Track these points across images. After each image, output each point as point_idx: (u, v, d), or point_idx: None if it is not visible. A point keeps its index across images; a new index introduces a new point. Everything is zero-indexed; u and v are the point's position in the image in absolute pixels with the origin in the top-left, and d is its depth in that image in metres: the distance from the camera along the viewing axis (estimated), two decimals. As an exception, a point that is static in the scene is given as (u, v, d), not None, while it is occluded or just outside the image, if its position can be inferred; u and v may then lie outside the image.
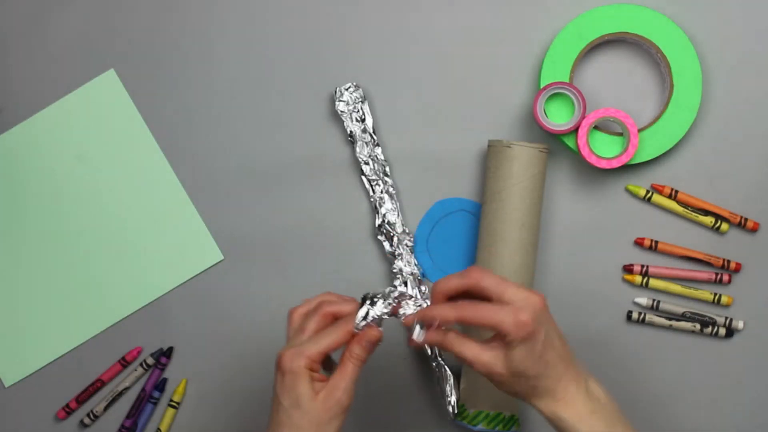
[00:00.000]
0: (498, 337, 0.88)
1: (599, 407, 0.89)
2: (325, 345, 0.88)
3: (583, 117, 1.05)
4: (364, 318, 0.89)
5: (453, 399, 1.04)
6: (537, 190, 1.04)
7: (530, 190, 1.03)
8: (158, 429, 1.10)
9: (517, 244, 1.03)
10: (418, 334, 0.90)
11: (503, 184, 1.04)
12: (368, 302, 0.90)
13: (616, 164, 1.05)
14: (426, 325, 0.89)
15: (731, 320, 1.09)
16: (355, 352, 0.89)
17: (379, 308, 0.90)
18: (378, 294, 0.91)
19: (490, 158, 1.05)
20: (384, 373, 1.10)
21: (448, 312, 0.88)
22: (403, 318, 0.91)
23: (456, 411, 1.04)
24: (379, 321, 0.90)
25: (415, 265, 1.07)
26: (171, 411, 1.10)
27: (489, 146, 1.06)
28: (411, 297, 0.91)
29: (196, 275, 1.10)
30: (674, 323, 1.09)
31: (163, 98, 1.11)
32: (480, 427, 1.03)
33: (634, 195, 1.09)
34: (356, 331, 0.89)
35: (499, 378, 0.88)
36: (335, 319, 0.91)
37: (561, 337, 0.90)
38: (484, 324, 0.86)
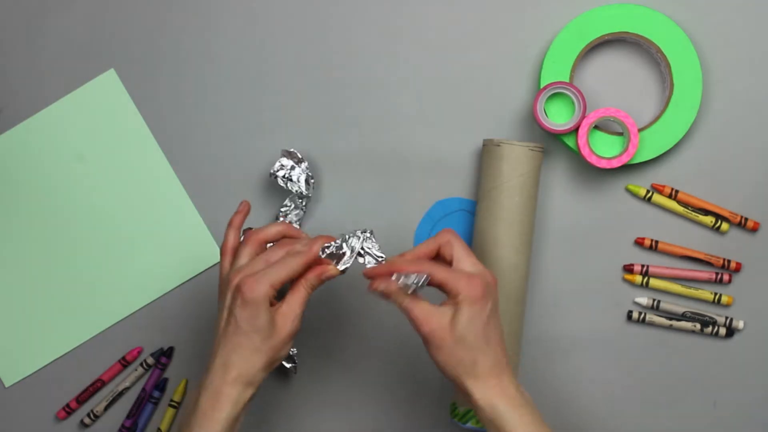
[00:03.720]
0: (447, 302, 0.92)
1: (526, 402, 0.92)
2: (286, 275, 0.92)
3: (583, 117, 1.05)
4: (337, 247, 0.94)
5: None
6: (528, 188, 1.04)
7: (520, 189, 1.03)
8: (158, 429, 1.10)
9: (508, 243, 1.03)
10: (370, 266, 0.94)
11: (493, 183, 1.04)
12: (345, 238, 0.95)
13: (616, 164, 1.05)
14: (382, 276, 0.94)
15: (731, 320, 1.09)
16: (311, 282, 0.94)
17: (355, 243, 0.95)
18: (351, 234, 0.95)
19: (482, 157, 1.06)
20: (379, 370, 1.10)
21: (409, 265, 0.93)
22: (366, 266, 0.95)
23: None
24: (343, 257, 0.94)
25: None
26: (171, 411, 1.10)
27: (483, 145, 1.06)
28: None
29: (196, 275, 1.10)
30: (674, 323, 1.09)
31: (163, 98, 1.11)
32: (470, 425, 1.03)
33: (634, 195, 1.09)
34: (320, 256, 0.93)
35: (441, 341, 0.91)
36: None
37: (502, 327, 0.94)
38: (439, 280, 0.92)
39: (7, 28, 1.11)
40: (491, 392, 0.91)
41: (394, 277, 0.93)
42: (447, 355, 0.92)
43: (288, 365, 1.07)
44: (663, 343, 1.09)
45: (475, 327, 0.91)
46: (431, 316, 0.92)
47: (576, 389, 1.09)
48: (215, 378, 0.91)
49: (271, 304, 0.92)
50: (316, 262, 0.94)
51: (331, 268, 0.94)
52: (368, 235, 0.95)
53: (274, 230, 0.97)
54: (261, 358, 0.92)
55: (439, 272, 0.92)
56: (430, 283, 0.92)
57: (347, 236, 0.95)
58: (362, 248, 0.95)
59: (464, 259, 0.93)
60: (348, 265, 0.94)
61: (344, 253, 0.94)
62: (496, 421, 0.91)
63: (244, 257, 0.95)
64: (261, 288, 0.91)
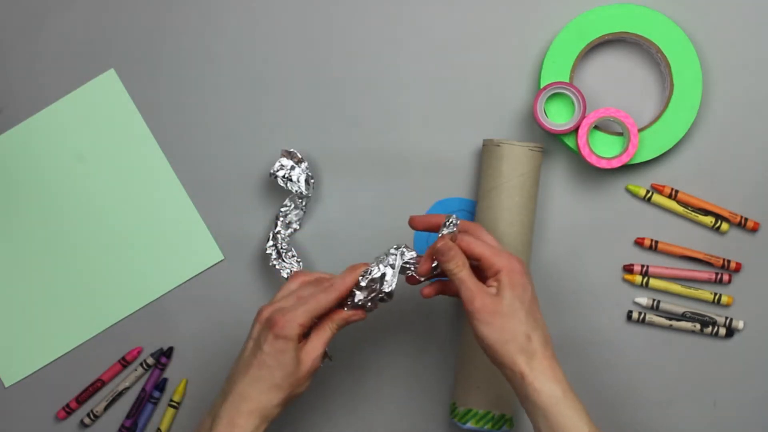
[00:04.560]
0: (489, 281, 0.92)
1: (574, 394, 0.91)
2: (318, 311, 0.93)
3: (583, 117, 1.05)
4: (374, 272, 0.94)
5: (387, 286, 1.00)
6: (528, 188, 1.04)
7: (520, 189, 1.03)
8: (158, 429, 1.10)
9: (507, 243, 1.03)
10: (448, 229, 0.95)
11: (493, 183, 1.04)
12: (380, 259, 0.95)
13: (616, 164, 1.05)
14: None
15: (731, 320, 1.09)
16: (337, 323, 0.95)
17: (393, 260, 0.95)
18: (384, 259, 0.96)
19: (482, 157, 1.06)
20: (378, 370, 1.10)
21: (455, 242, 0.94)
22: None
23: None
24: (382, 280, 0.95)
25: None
26: (171, 411, 1.10)
27: (483, 145, 1.06)
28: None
29: (196, 275, 1.10)
30: (674, 323, 1.09)
31: (163, 98, 1.11)
32: (469, 425, 1.03)
33: (634, 195, 1.09)
34: (361, 284, 0.94)
35: (491, 317, 0.90)
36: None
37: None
38: (479, 253, 0.92)
39: (7, 28, 1.11)
40: (547, 374, 0.90)
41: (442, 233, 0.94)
42: (498, 331, 0.90)
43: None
44: (663, 343, 1.09)
45: (523, 302, 0.90)
46: (482, 291, 0.91)
47: (576, 389, 1.09)
48: (230, 408, 0.91)
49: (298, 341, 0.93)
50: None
51: (359, 315, 0.95)
52: (404, 249, 0.95)
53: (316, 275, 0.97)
54: (279, 394, 0.92)
55: (479, 245, 0.92)
56: (474, 255, 0.92)
57: (382, 257, 0.95)
58: (404, 263, 0.95)
59: (497, 253, 0.93)
60: (393, 285, 0.95)
61: (385, 275, 0.94)
62: (552, 407, 0.89)
63: (282, 292, 0.96)
64: (293, 325, 0.91)
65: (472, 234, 0.95)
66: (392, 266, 0.95)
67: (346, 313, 0.95)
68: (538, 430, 0.91)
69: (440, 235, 0.95)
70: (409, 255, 0.96)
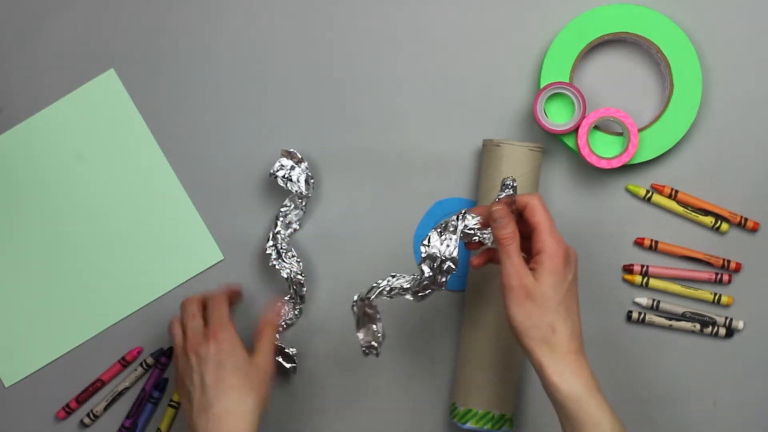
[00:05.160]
0: (530, 263, 0.91)
1: (598, 391, 0.89)
2: (226, 311, 0.99)
3: (583, 117, 1.05)
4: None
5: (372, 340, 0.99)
6: (528, 188, 1.04)
7: (520, 189, 1.03)
8: (158, 429, 1.10)
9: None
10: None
11: (493, 183, 1.04)
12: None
13: (616, 164, 1.05)
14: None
15: (731, 320, 1.09)
16: (269, 320, 1.00)
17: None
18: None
19: (482, 157, 1.06)
20: (378, 370, 1.10)
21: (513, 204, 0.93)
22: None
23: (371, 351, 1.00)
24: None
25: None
26: (171, 411, 1.10)
27: (483, 145, 1.06)
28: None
29: (196, 275, 1.10)
30: (674, 323, 1.09)
31: (163, 98, 1.11)
32: (469, 425, 1.03)
33: (634, 195, 1.09)
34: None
35: (524, 298, 0.89)
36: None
37: (579, 306, 0.93)
38: (536, 222, 0.91)
39: (7, 28, 1.11)
40: (568, 369, 0.88)
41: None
42: (526, 315, 0.89)
43: (288, 365, 1.07)
44: (663, 343, 1.09)
45: (558, 290, 0.89)
46: (523, 270, 0.90)
47: (576, 389, 1.09)
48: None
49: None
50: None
51: (275, 318, 1.01)
52: (466, 214, 0.94)
53: (195, 299, 1.02)
54: (251, 397, 0.94)
55: (542, 213, 0.92)
56: (525, 218, 0.92)
57: (441, 226, 0.94)
58: (467, 229, 0.94)
59: (551, 232, 0.92)
60: (454, 252, 0.93)
61: (447, 245, 0.94)
62: (571, 404, 0.88)
63: (186, 327, 1.00)
64: (228, 328, 0.97)
65: (526, 214, 0.93)
66: (453, 232, 0.93)
67: (269, 316, 1.01)
68: (561, 425, 0.90)
69: (497, 198, 0.94)
70: (473, 221, 0.94)
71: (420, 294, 0.94)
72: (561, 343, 0.89)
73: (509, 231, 0.92)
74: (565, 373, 0.89)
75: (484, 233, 0.95)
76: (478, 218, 0.95)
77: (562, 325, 0.89)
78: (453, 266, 0.93)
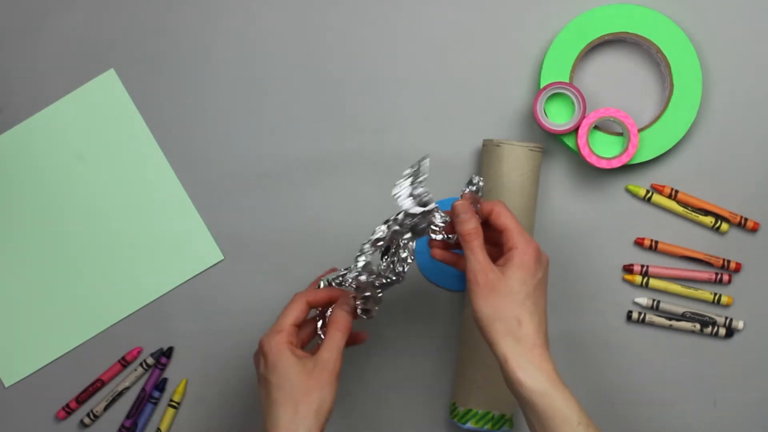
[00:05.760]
0: (500, 260, 0.91)
1: (563, 385, 0.89)
2: (292, 316, 0.92)
3: (583, 117, 1.05)
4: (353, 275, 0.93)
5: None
6: (528, 188, 1.04)
7: (520, 189, 1.03)
8: (158, 429, 1.10)
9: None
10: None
11: (494, 183, 1.04)
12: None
13: (616, 164, 1.05)
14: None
15: (731, 320, 1.09)
16: (335, 319, 0.93)
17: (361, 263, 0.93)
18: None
19: (482, 157, 1.06)
20: (378, 369, 1.10)
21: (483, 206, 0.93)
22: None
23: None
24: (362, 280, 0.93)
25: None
26: (171, 411, 1.10)
27: (483, 145, 1.06)
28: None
29: (196, 275, 1.10)
30: (674, 323, 1.09)
31: (163, 98, 1.11)
32: (469, 425, 1.03)
33: (634, 195, 1.09)
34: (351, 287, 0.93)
35: (490, 291, 0.89)
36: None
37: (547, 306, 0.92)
38: (503, 224, 0.91)
39: (7, 28, 1.11)
40: (532, 364, 0.87)
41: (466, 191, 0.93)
42: (491, 307, 0.88)
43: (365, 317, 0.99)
44: (663, 343, 1.09)
45: (526, 286, 0.89)
46: (488, 266, 0.90)
47: (576, 389, 1.09)
48: None
49: (305, 356, 0.92)
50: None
51: (348, 294, 0.94)
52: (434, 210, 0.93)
53: (320, 294, 0.96)
54: (304, 408, 0.89)
55: (509, 216, 0.91)
56: (491, 223, 0.91)
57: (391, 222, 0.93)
58: (434, 225, 0.93)
59: (520, 232, 0.91)
60: (408, 261, 0.93)
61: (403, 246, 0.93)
62: (537, 399, 0.86)
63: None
64: (274, 338, 0.91)
65: (492, 219, 0.93)
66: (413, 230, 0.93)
67: (341, 314, 0.94)
68: (527, 419, 0.89)
69: (462, 193, 0.94)
70: (440, 219, 0.93)
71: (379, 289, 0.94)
72: (527, 336, 0.88)
73: (472, 226, 0.91)
74: (529, 367, 0.87)
75: (449, 235, 0.94)
76: (446, 218, 0.93)
77: (528, 319, 0.88)
78: (400, 279, 0.93)
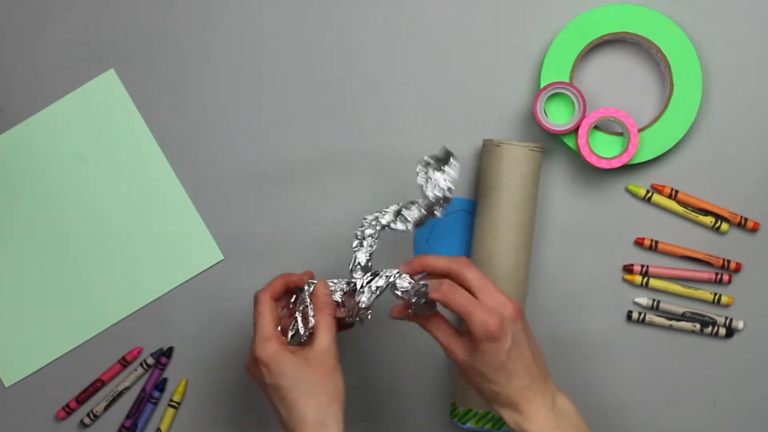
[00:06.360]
0: (467, 334, 0.91)
1: (564, 422, 0.90)
2: (271, 319, 0.93)
3: (583, 117, 1.05)
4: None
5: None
6: (528, 188, 1.04)
7: (520, 189, 1.03)
8: (158, 429, 1.10)
9: (508, 243, 1.03)
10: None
11: (493, 183, 1.04)
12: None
13: (616, 164, 1.05)
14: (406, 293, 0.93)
15: (731, 320, 1.09)
16: (319, 305, 0.94)
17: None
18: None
19: (482, 157, 1.06)
20: (378, 371, 1.10)
21: (438, 261, 0.92)
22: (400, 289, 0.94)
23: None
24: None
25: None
26: (171, 411, 1.10)
27: (483, 145, 1.06)
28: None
29: (196, 275, 1.10)
30: (674, 323, 1.09)
31: (163, 98, 1.11)
32: (469, 425, 1.03)
33: (634, 195, 1.09)
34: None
35: (464, 370, 0.91)
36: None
37: (535, 350, 0.92)
38: (455, 308, 0.89)
39: (7, 28, 1.11)
40: (519, 418, 0.90)
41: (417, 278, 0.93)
42: (471, 381, 0.92)
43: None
44: (663, 343, 1.09)
45: (493, 364, 0.89)
46: (455, 344, 0.91)
47: (576, 389, 1.09)
48: None
49: (300, 350, 0.93)
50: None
51: (320, 282, 0.95)
52: (396, 274, 0.94)
53: (277, 285, 0.96)
54: (324, 398, 0.90)
55: (458, 297, 0.89)
56: (451, 309, 0.90)
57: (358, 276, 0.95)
58: (396, 289, 0.94)
59: (482, 289, 0.90)
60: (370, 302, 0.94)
61: (362, 295, 0.94)
62: None
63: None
64: (267, 345, 0.91)
65: (455, 275, 0.92)
66: (373, 291, 0.94)
67: (314, 295, 0.95)
68: None
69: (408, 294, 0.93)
70: (402, 284, 0.93)
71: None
72: (507, 401, 0.90)
73: (428, 317, 0.93)
74: (519, 421, 0.90)
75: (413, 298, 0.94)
76: (408, 284, 0.93)
77: (504, 390, 0.90)
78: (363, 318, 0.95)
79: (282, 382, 0.90)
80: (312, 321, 0.94)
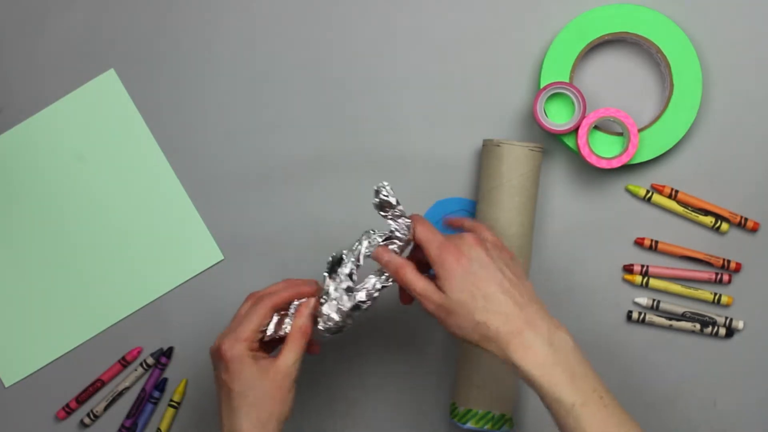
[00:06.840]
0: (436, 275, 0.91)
1: (562, 358, 0.87)
2: (256, 323, 0.92)
3: (583, 117, 1.05)
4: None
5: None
6: (528, 188, 1.04)
7: (520, 189, 1.03)
8: (158, 429, 1.10)
9: (507, 243, 1.03)
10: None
11: (493, 183, 1.04)
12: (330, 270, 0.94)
13: (616, 164, 1.05)
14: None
15: (731, 320, 1.09)
16: (298, 324, 0.92)
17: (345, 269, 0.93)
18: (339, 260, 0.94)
19: (482, 157, 1.06)
20: (378, 369, 1.10)
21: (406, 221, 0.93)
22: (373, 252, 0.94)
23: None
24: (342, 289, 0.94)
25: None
26: (171, 411, 1.10)
27: (483, 145, 1.06)
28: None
29: (196, 275, 1.10)
30: (674, 323, 1.09)
31: (163, 98, 1.11)
32: (469, 425, 1.03)
33: (634, 195, 1.09)
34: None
35: (446, 314, 0.89)
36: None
37: (517, 278, 0.90)
38: (419, 240, 0.91)
39: (7, 28, 1.11)
40: (515, 355, 0.87)
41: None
42: (456, 325, 0.89)
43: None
44: (663, 343, 1.09)
45: (466, 290, 0.88)
46: (429, 290, 0.90)
47: (576, 389, 1.09)
48: None
49: (265, 357, 0.92)
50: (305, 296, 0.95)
51: (312, 301, 0.94)
52: (370, 233, 0.95)
53: (284, 297, 0.95)
54: (265, 414, 0.90)
55: (421, 231, 0.92)
56: (418, 242, 0.92)
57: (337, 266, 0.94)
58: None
59: (430, 238, 0.91)
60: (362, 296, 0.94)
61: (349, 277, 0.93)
62: (531, 385, 0.87)
63: (233, 320, 0.95)
64: (237, 345, 0.91)
65: (417, 223, 0.93)
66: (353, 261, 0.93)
67: (300, 309, 0.93)
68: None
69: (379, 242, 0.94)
70: (371, 241, 0.94)
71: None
72: (497, 332, 0.88)
73: (395, 265, 0.92)
74: (515, 359, 0.87)
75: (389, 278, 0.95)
76: (379, 237, 0.94)
77: (489, 317, 0.88)
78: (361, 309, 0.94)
79: (234, 386, 0.90)
80: (283, 332, 0.94)
